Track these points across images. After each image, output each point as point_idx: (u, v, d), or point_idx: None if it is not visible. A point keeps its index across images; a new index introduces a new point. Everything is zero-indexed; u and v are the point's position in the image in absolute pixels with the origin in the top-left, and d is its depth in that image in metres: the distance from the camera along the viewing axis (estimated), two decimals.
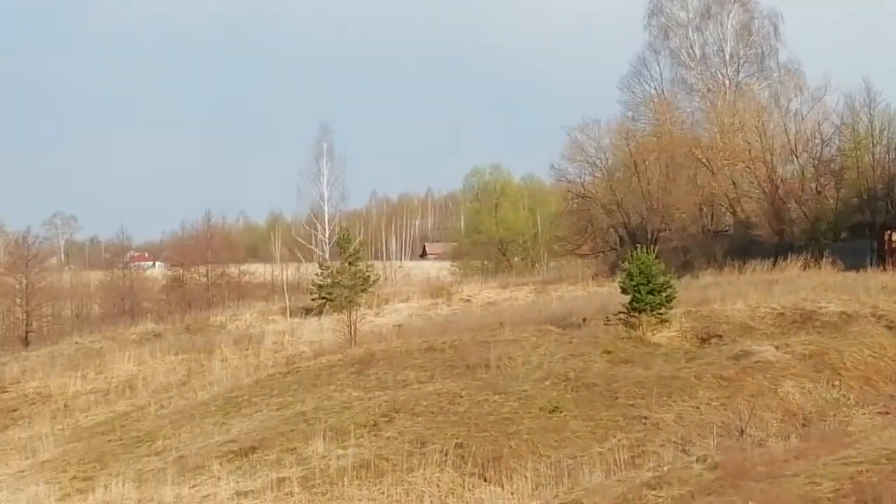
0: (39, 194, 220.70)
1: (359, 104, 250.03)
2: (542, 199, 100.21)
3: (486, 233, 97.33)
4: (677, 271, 48.98)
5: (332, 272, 59.67)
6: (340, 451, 29.59)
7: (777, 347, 35.21)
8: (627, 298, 39.12)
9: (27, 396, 47.02)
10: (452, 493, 26.96)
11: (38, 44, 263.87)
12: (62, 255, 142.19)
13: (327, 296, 58.82)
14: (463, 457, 28.50)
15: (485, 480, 27.67)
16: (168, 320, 66.04)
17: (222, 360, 47.90)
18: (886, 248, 58.20)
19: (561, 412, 31.28)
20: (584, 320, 41.09)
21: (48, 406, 45.19)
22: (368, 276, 58.49)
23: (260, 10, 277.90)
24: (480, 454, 28.56)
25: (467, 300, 62.69)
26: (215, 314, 65.99)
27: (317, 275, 63.07)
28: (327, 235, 76.06)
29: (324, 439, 30.40)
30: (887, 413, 30.09)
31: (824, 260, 54.26)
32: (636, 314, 38.73)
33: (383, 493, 26.85)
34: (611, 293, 45.58)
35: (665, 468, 26.09)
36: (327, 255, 73.74)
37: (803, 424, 29.64)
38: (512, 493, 26.67)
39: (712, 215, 68.88)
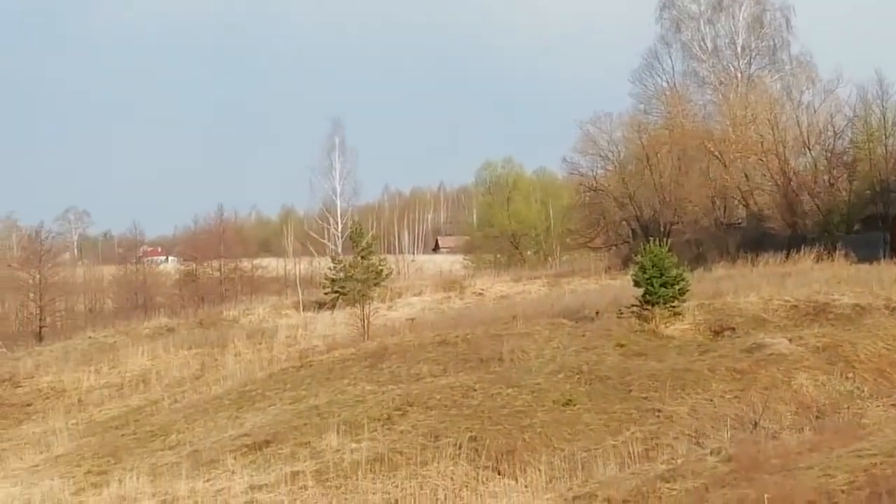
0: (49, 191, 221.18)
1: (359, 104, 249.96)
2: (555, 193, 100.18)
3: (499, 226, 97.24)
4: (690, 264, 48.90)
5: (344, 266, 59.59)
6: (354, 445, 29.61)
7: (790, 340, 35.17)
8: (640, 291, 39.14)
9: (41, 391, 47.14)
10: (466, 487, 26.96)
11: (38, 44, 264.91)
12: (75, 250, 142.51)
13: (340, 290, 58.78)
14: (477, 450, 28.52)
15: (498, 473, 27.69)
16: (181, 315, 66.08)
17: (235, 355, 47.96)
18: None
19: (574, 405, 31.29)
20: (596, 313, 41.08)
21: (62, 401, 45.31)
22: (381, 270, 58.47)
23: (260, 10, 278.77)
24: (494, 447, 28.57)
25: (480, 294, 62.63)
26: (228, 308, 66.03)
27: (329, 269, 63.05)
28: (340, 229, 76.09)
29: (337, 433, 30.44)
30: None
31: (837, 252, 54.16)
32: (649, 307, 38.74)
33: (397, 486, 26.87)
34: (623, 286, 45.59)
35: (679, 461, 26.10)
36: (340, 249, 73.74)
37: (817, 417, 29.60)
38: (526, 487, 26.67)
39: (725, 208, 68.79)
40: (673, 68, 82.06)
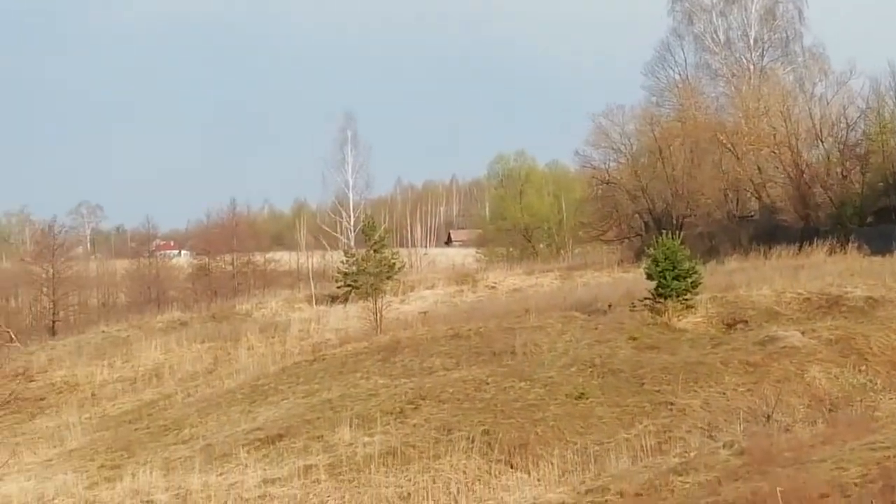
0: (50, 191, 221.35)
1: (358, 104, 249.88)
2: (567, 186, 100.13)
3: (511, 219, 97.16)
4: (702, 257, 48.81)
5: (357, 260, 59.75)
6: (367, 439, 29.66)
7: (803, 333, 35.13)
8: (653, 284, 39.09)
9: (54, 385, 47.25)
10: (479, 480, 27.00)
11: (38, 44, 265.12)
12: (88, 244, 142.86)
13: (353, 283, 58.87)
14: (489, 443, 28.55)
15: (511, 467, 27.72)
16: (194, 309, 66.19)
17: (248, 349, 48.02)
18: None
19: (587, 398, 31.29)
20: (609, 306, 41.04)
21: (75, 395, 45.41)
22: (394, 264, 58.57)
23: (260, 10, 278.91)
24: (507, 441, 28.60)
25: (492, 287, 62.64)
26: (241, 302, 66.13)
27: (342, 262, 63.15)
28: (352, 223, 76.00)
29: (350, 427, 30.48)
30: None
31: (850, 245, 53.97)
32: (662, 300, 38.69)
33: (410, 480, 26.92)
34: (636, 279, 45.54)
35: (692, 454, 26.10)
36: (352, 243, 73.73)
37: (830, 410, 29.58)
38: (538, 480, 26.69)
39: (737, 200, 68.68)
40: (685, 61, 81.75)
